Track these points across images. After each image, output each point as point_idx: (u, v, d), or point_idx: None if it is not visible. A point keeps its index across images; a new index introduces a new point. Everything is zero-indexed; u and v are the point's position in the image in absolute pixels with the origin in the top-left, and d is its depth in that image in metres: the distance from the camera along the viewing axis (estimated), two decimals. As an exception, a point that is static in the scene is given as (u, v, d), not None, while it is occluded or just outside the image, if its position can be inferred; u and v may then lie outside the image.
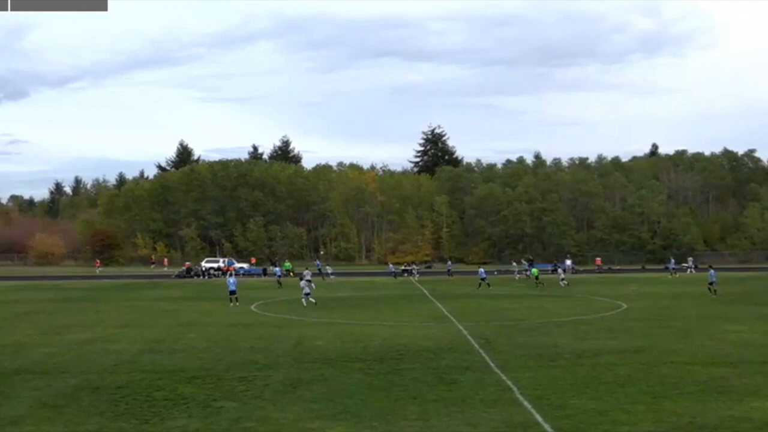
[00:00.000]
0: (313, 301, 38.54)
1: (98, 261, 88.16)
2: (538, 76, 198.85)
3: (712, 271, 43.92)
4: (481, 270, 55.49)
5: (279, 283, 56.86)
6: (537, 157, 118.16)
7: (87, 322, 31.01)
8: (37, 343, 24.88)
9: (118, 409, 14.88)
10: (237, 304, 38.03)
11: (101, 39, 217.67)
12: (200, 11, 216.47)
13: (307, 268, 62.35)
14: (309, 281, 41.70)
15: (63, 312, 36.17)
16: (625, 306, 36.69)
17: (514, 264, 69.83)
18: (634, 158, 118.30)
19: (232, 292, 38.79)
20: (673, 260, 72.28)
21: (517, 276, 63.58)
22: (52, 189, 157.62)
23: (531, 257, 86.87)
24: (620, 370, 18.85)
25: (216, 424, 13.69)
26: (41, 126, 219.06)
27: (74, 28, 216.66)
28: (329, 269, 68.92)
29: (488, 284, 51.62)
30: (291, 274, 66.51)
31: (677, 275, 65.49)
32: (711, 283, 42.49)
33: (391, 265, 72.80)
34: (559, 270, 57.07)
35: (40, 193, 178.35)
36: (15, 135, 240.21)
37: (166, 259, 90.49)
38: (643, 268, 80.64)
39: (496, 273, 73.47)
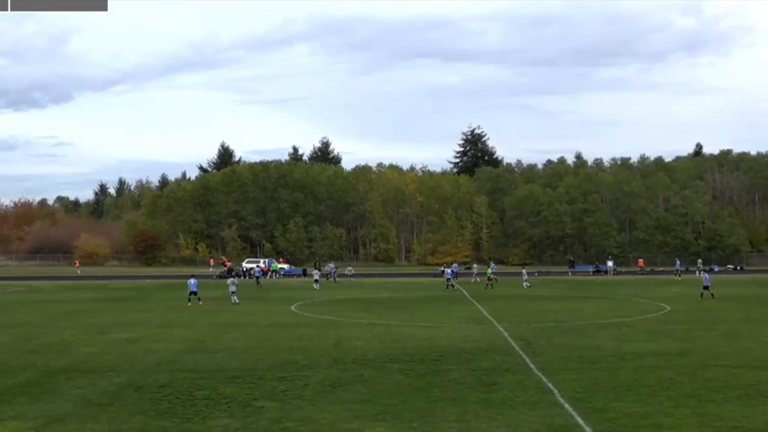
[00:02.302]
0: (236, 300, 39.29)
1: (77, 262, 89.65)
2: (578, 76, 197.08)
3: (706, 275, 43.63)
4: (447, 270, 55.35)
5: (258, 282, 58.80)
6: (578, 157, 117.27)
7: (130, 322, 31.46)
8: (82, 342, 25.30)
9: (161, 408, 15.05)
10: (200, 303, 38.73)
11: (142, 43, 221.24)
12: (238, 15, 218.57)
13: (320, 266, 64.13)
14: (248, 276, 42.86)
15: (107, 311, 36.76)
16: (668, 308, 36.14)
17: (475, 266, 69.01)
18: (678, 158, 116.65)
19: (193, 293, 39.54)
20: (678, 262, 72.57)
21: (475, 279, 61.97)
22: (97, 190, 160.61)
23: (572, 258, 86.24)
24: (663, 373, 18.56)
25: (256, 423, 13.76)
26: (86, 129, 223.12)
27: (116, 32, 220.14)
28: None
29: (453, 285, 51.29)
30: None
31: (681, 277, 64.31)
32: (706, 287, 41.73)
33: (330, 266, 69.63)
34: (523, 272, 56.40)
35: (85, 195, 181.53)
36: (60, 138, 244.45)
37: (212, 260, 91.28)
38: (687, 270, 79.41)
39: (536, 274, 72.96)
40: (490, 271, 55.83)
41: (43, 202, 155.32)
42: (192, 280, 40.57)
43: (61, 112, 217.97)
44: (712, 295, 40.88)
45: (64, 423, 13.89)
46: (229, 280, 41.86)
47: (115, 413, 14.60)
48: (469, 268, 73.65)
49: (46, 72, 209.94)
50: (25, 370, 19.53)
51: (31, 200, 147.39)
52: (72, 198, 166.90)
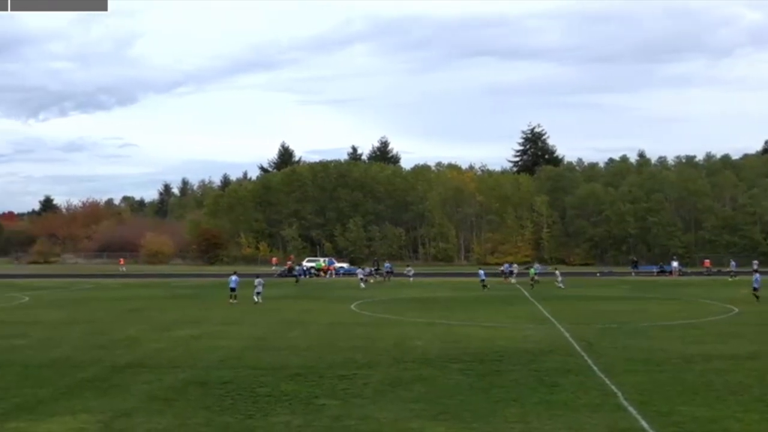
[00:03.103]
0: (259, 300, 39.36)
1: (122, 259, 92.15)
2: (641, 72, 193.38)
3: (757, 275, 41.83)
4: (481, 271, 54.77)
5: (297, 280, 59.97)
6: (641, 155, 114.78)
7: (194, 319, 32.02)
8: (148, 338, 25.85)
9: (224, 404, 15.27)
10: (235, 301, 39.14)
11: (204, 45, 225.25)
12: (298, 16, 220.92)
13: (378, 265, 64.81)
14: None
15: (171, 309, 37.51)
16: (736, 310, 35.16)
17: (515, 266, 67.43)
18: (746, 156, 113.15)
19: (233, 290, 39.99)
20: (734, 262, 70.66)
21: (513, 279, 61.37)
22: (161, 190, 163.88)
23: (635, 258, 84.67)
24: (732, 377, 18.07)
25: (317, 421, 13.85)
26: (150, 130, 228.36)
27: (178, 34, 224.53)
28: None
29: (486, 286, 50.58)
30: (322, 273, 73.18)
31: (737, 278, 62.08)
32: (755, 289, 40.05)
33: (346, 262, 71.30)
34: (556, 273, 55.65)
35: (150, 194, 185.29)
36: (126, 139, 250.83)
37: (274, 259, 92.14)
38: (755, 271, 77.19)
39: (598, 275, 71.98)
40: (533, 271, 55.14)
41: (109, 201, 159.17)
42: (233, 277, 41.08)
43: (126, 114, 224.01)
44: (756, 297, 39.23)
45: (130, 417, 14.20)
46: (256, 280, 40.99)
47: (180, 408, 14.87)
48: (528, 269, 72.88)
49: (111, 75, 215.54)
50: (94, 365, 20.04)
51: (98, 200, 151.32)
52: (137, 198, 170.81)
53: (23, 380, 17.93)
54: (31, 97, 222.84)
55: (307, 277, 70.64)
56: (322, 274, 74.45)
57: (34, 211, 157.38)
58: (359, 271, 59.09)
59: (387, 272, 65.37)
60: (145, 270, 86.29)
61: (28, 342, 24.85)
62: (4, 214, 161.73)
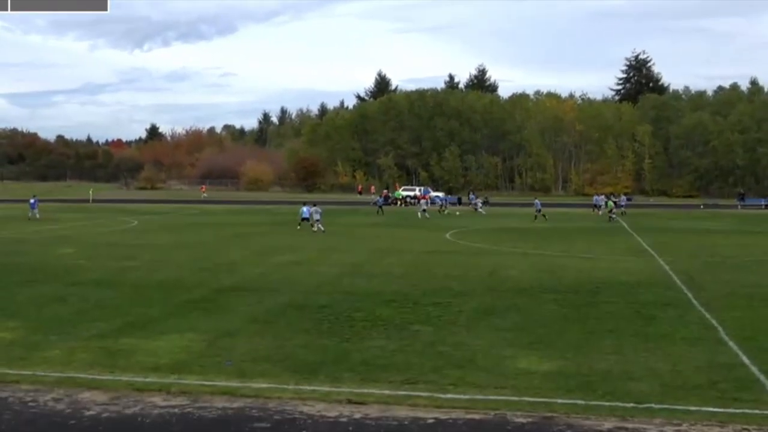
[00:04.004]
0: (320, 228, 38.82)
1: (203, 186, 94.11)
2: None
3: None
4: (537, 201, 55.03)
5: (381, 210, 59.76)
6: (753, 83, 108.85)
7: (292, 245, 32.83)
8: (250, 262, 26.71)
9: (321, 327, 15.72)
10: (315, 228, 39.11)
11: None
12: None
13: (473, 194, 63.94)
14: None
15: (271, 235, 38.54)
16: None
17: (602, 198, 62.97)
18: None
19: (305, 219, 40.60)
20: None
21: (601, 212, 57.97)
22: (260, 119, 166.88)
23: (743, 191, 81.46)
24: (842, 315, 17.34)
25: (411, 346, 14.08)
26: (249, 59, 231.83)
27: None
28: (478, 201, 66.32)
29: (544, 216, 51.08)
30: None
31: None
32: None
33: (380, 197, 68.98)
34: (619, 200, 54.80)
35: (250, 123, 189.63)
36: (226, 68, 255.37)
37: (372, 187, 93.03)
38: None
39: (702, 207, 69.74)
40: (611, 204, 53.89)
41: (211, 130, 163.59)
42: (304, 208, 41.68)
43: (226, 44, 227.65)
44: None
45: (233, 337, 14.80)
46: (314, 209, 40.67)
47: (280, 330, 15.39)
48: (630, 200, 70.93)
49: (212, 5, 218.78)
50: (200, 287, 20.91)
51: (200, 128, 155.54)
52: (237, 126, 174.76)
53: (134, 300, 18.91)
54: (136, 27, 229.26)
55: (402, 206, 71.33)
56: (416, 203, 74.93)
57: (140, 139, 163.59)
58: (422, 201, 58.79)
59: (474, 203, 65.18)
60: (228, 197, 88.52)
61: (137, 264, 26.07)
62: (113, 141, 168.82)
